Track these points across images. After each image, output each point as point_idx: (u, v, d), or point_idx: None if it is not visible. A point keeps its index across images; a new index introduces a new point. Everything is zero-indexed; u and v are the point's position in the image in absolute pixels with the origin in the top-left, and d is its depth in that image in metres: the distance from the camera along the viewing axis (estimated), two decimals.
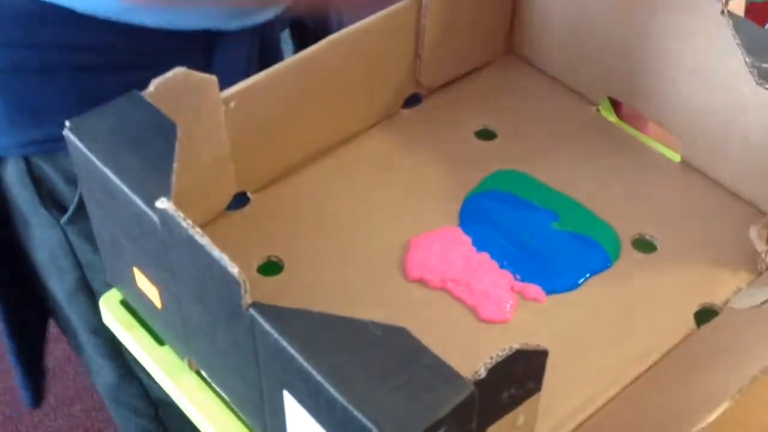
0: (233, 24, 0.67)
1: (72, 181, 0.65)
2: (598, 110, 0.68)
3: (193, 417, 0.51)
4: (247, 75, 0.57)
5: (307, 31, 0.77)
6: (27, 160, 0.66)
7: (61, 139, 0.60)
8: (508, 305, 0.56)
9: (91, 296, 0.71)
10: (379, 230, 0.59)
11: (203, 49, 0.67)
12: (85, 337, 0.75)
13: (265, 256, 0.58)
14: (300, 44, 0.78)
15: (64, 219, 0.66)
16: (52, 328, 1.32)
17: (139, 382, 0.76)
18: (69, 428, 1.28)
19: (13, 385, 1.34)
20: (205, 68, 0.51)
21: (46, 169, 0.66)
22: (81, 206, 0.65)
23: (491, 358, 0.38)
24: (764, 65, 0.56)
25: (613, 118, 0.68)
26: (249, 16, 0.67)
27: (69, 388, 1.32)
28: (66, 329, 0.79)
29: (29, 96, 0.65)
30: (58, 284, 0.72)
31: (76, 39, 0.63)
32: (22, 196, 0.68)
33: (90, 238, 0.67)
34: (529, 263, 0.58)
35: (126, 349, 0.72)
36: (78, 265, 0.70)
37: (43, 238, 0.70)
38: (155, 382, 0.73)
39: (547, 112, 0.68)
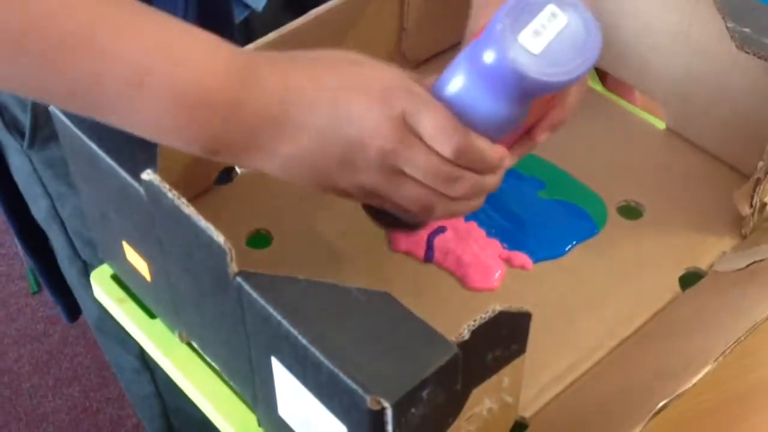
0: None
1: (25, 107, 0.64)
2: None
3: (185, 388, 0.52)
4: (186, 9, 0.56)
5: None
6: None
7: None
8: (497, 274, 0.56)
9: (62, 226, 0.71)
10: None
11: None
12: (62, 265, 0.75)
13: (253, 229, 0.58)
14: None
15: (24, 144, 0.66)
16: (50, 310, 1.31)
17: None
18: (68, 408, 1.28)
19: (13, 368, 1.35)
20: None
21: (4, 95, 0.65)
22: (36, 131, 0.65)
23: (474, 320, 0.39)
24: (745, 30, 0.57)
25: (599, 87, 0.69)
26: None
27: (68, 369, 1.32)
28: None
29: None
30: (36, 210, 0.73)
31: None
32: None
33: (53, 166, 0.67)
34: (516, 231, 0.58)
35: None
36: (47, 193, 0.70)
37: (17, 164, 0.70)
38: None
39: None
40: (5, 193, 0.74)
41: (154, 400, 0.80)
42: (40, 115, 0.63)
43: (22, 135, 0.66)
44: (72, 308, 0.82)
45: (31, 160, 0.68)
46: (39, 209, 0.72)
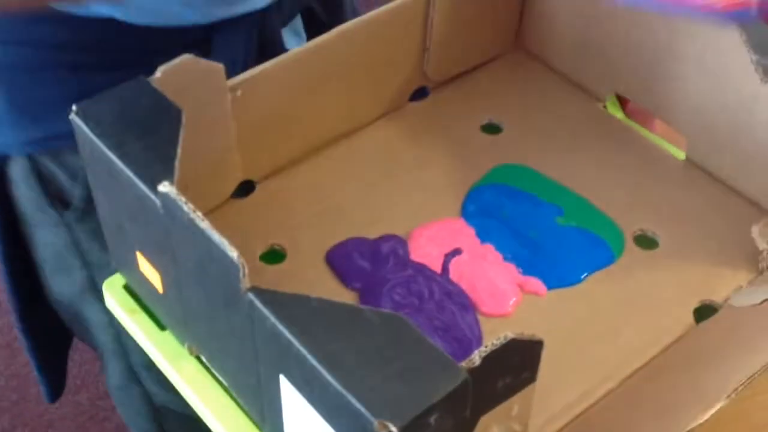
0: (219, 14, 0.65)
1: (76, 177, 0.65)
2: (604, 106, 0.68)
3: (192, 402, 0.51)
4: (246, 68, 0.57)
5: (320, 21, 0.77)
6: (32, 159, 0.66)
7: (63, 136, 0.60)
8: (511, 301, 0.56)
9: (99, 296, 0.72)
10: (382, 221, 0.60)
11: (198, 44, 0.66)
12: (95, 334, 0.76)
13: (268, 244, 0.58)
14: (312, 35, 0.77)
15: (72, 216, 0.66)
16: None
17: (143, 388, 0.76)
18: (74, 416, 1.28)
19: (21, 372, 1.35)
20: None
21: (51, 167, 0.66)
22: (89, 203, 0.65)
23: (486, 346, 0.38)
24: None
25: (619, 114, 0.68)
26: (237, 4, 0.66)
27: (75, 377, 1.33)
28: (75, 326, 0.79)
29: (27, 94, 0.64)
30: (66, 283, 0.73)
31: (70, 37, 0.63)
32: (27, 195, 0.68)
33: (99, 237, 0.68)
34: (531, 257, 0.58)
35: (132, 354, 0.72)
36: (86, 264, 0.70)
37: (47, 238, 0.70)
38: (159, 388, 0.72)
39: (553, 108, 0.68)
40: (17, 273, 0.74)
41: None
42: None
43: (66, 207, 0.66)
44: (56, 387, 0.82)
45: (71, 232, 0.68)
46: (71, 282, 0.72)
